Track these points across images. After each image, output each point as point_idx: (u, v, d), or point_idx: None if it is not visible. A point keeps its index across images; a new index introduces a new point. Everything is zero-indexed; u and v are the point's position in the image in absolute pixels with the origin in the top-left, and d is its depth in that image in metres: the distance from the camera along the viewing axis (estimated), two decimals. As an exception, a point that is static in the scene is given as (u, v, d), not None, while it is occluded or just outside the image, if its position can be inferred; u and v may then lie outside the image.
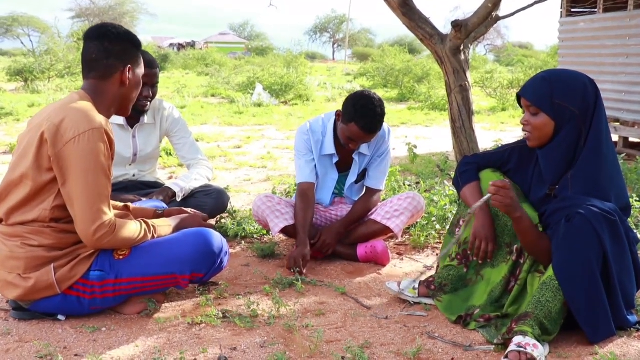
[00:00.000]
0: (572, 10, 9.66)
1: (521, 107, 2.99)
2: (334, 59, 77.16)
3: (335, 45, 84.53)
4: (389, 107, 14.94)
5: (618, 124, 8.35)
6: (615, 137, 8.57)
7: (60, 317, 2.90)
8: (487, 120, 12.69)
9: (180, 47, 56.94)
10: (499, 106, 15.21)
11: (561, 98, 2.83)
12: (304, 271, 3.61)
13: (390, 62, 22.40)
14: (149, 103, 4.09)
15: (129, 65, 2.86)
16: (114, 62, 2.82)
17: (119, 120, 4.08)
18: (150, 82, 4.01)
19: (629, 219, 3.81)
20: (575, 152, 2.85)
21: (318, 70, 35.77)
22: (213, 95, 18.35)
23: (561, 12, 9.64)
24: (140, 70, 2.96)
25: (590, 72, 8.71)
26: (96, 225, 2.69)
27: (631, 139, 8.56)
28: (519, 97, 3.01)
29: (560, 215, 2.76)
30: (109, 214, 2.74)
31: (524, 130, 2.97)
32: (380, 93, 19.84)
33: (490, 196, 2.82)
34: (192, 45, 57.90)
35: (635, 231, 3.09)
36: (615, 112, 8.38)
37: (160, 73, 4.25)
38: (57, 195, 2.72)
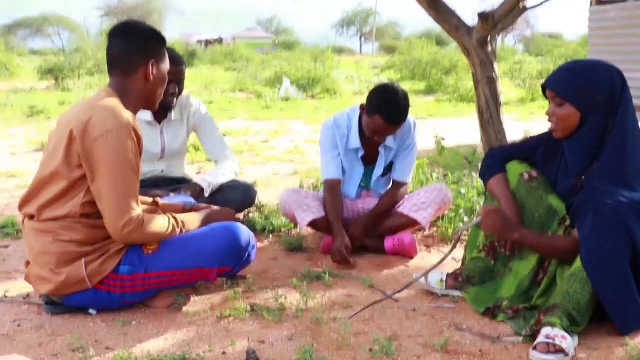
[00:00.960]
0: (602, -2, 9.52)
1: (547, 98, 2.98)
2: (361, 52, 76.98)
3: (363, 39, 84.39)
4: (416, 100, 14.90)
5: (649, 113, 8.23)
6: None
7: (91, 311, 2.95)
8: (516, 111, 12.58)
9: (208, 43, 57.14)
10: (528, 97, 15.05)
11: (586, 88, 2.81)
12: (352, 260, 3.66)
13: (417, 54, 22.29)
14: (175, 100, 4.13)
15: (152, 61, 2.88)
16: (137, 58, 2.85)
17: (147, 116, 4.12)
18: (176, 79, 4.03)
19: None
20: (602, 142, 2.83)
21: (345, 64, 35.67)
22: (241, 90, 18.41)
23: (591, 0, 9.52)
24: (165, 65, 2.98)
25: (621, 61, 8.58)
26: (124, 221, 2.73)
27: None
28: (544, 88, 2.99)
29: (587, 207, 2.73)
30: (137, 210, 2.78)
31: (549, 121, 2.95)
32: (407, 86, 19.76)
33: (481, 219, 2.83)
34: (219, 41, 58.08)
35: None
36: (647, 102, 8.26)
37: (187, 69, 4.28)
38: (87, 191, 2.76)
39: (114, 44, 2.87)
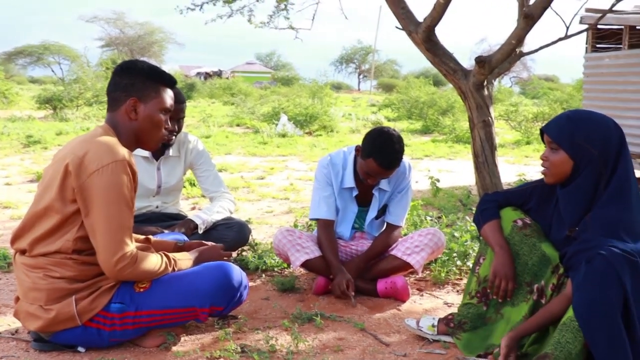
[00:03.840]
0: (597, 46, 9.66)
1: (544, 142, 3.01)
2: (359, 89, 77.37)
3: (361, 76, 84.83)
4: (412, 140, 14.97)
5: (643, 160, 8.28)
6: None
7: (80, 348, 2.92)
8: (512, 154, 12.65)
9: (207, 76, 57.41)
10: (524, 139, 15.16)
11: (582, 138, 2.83)
12: (353, 294, 3.68)
13: (415, 93, 22.44)
14: (174, 137, 4.15)
15: (134, 98, 2.87)
16: (119, 94, 2.88)
17: (145, 152, 4.13)
18: (176, 116, 4.05)
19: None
20: (595, 195, 2.84)
21: (343, 100, 35.92)
22: (238, 125, 18.50)
23: (586, 47, 9.64)
24: (159, 105, 2.93)
25: (615, 108, 8.71)
26: (118, 256, 2.72)
27: (657, 175, 8.48)
28: (542, 132, 3.02)
29: (580, 257, 2.74)
30: (131, 246, 2.78)
31: (542, 165, 2.98)
32: (404, 125, 19.88)
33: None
34: (218, 74, 58.39)
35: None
36: (640, 148, 8.32)
37: (186, 103, 4.30)
38: (80, 226, 2.76)
39: (110, 81, 2.92)
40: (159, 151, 4.21)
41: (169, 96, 3.00)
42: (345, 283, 3.70)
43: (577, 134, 2.85)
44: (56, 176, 2.75)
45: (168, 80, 3.01)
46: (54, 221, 2.76)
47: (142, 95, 2.89)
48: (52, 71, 54.78)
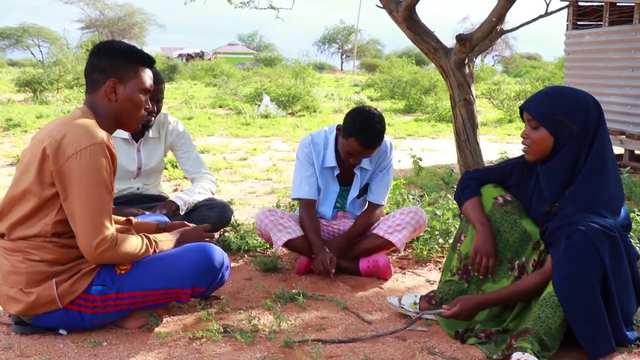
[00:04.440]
0: (578, 23, 9.67)
1: (524, 120, 3.01)
2: (342, 69, 77.23)
3: (344, 56, 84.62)
4: (395, 119, 14.97)
5: (624, 136, 8.33)
6: (620, 150, 8.55)
7: (61, 331, 2.91)
8: (494, 132, 12.69)
9: (189, 57, 57.04)
10: (506, 118, 15.21)
11: (562, 115, 2.84)
12: (333, 271, 3.69)
13: (397, 73, 22.42)
14: (153, 118, 4.12)
15: (113, 79, 2.84)
16: (98, 75, 2.84)
17: (124, 134, 4.10)
18: (155, 97, 4.03)
19: (632, 234, 3.81)
20: (574, 170, 2.86)
21: (326, 81, 35.84)
22: (220, 106, 18.42)
23: (567, 24, 9.65)
24: (138, 86, 2.90)
25: (596, 85, 8.74)
26: (98, 240, 2.71)
27: (637, 152, 8.54)
28: (521, 110, 3.02)
29: (560, 233, 2.77)
30: (111, 229, 2.76)
31: (523, 143, 2.99)
32: (387, 104, 19.87)
33: (442, 311, 2.92)
34: (200, 55, 58.02)
35: (636, 247, 3.09)
36: (621, 125, 8.37)
37: (166, 85, 4.27)
38: (59, 210, 2.74)
39: (87, 63, 2.88)
40: (138, 133, 4.18)
41: (148, 76, 2.96)
42: (328, 258, 3.71)
43: (557, 110, 2.86)
44: (34, 159, 2.73)
45: (146, 60, 2.97)
46: (32, 204, 2.74)
47: (121, 76, 2.86)
48: (32, 54, 54.15)
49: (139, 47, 3.03)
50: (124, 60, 2.87)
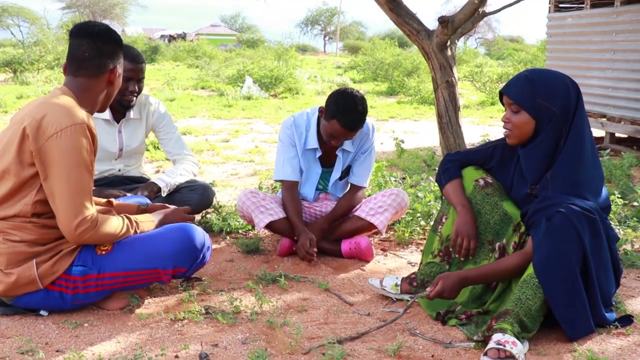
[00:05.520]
0: (560, 5, 9.69)
1: (503, 104, 3.01)
2: (325, 51, 77.01)
3: (327, 38, 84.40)
4: (378, 101, 14.97)
5: (605, 119, 8.39)
6: (601, 133, 8.61)
7: (42, 312, 2.90)
8: (476, 114, 12.73)
9: (171, 38, 56.63)
10: (488, 100, 15.24)
11: (543, 98, 2.85)
12: (315, 250, 3.71)
13: (380, 55, 22.38)
14: (134, 98, 4.09)
15: (118, 65, 2.90)
16: (106, 61, 2.85)
17: (105, 115, 4.07)
18: (136, 77, 4.00)
19: (611, 216, 3.85)
20: (555, 152, 2.87)
21: (309, 62, 35.72)
22: (203, 88, 18.32)
23: (549, 7, 9.67)
24: (122, 68, 3.00)
25: (578, 68, 8.78)
26: (78, 220, 2.69)
27: (617, 135, 8.60)
28: (501, 94, 3.02)
29: (541, 215, 2.78)
30: (91, 209, 2.75)
31: (504, 127, 2.99)
32: (370, 86, 19.86)
33: (427, 293, 2.91)
34: (182, 36, 57.65)
35: (615, 229, 3.12)
36: (602, 108, 8.42)
37: (149, 65, 4.25)
38: (39, 190, 2.72)
39: (82, 45, 2.82)
40: (120, 114, 4.15)
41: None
42: (309, 242, 3.71)
43: (537, 93, 2.86)
44: (14, 139, 2.70)
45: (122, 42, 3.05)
46: (11, 184, 2.72)
47: (120, 62, 2.95)
48: (12, 34, 53.51)
49: (120, 28, 3.05)
50: (120, 45, 2.95)
